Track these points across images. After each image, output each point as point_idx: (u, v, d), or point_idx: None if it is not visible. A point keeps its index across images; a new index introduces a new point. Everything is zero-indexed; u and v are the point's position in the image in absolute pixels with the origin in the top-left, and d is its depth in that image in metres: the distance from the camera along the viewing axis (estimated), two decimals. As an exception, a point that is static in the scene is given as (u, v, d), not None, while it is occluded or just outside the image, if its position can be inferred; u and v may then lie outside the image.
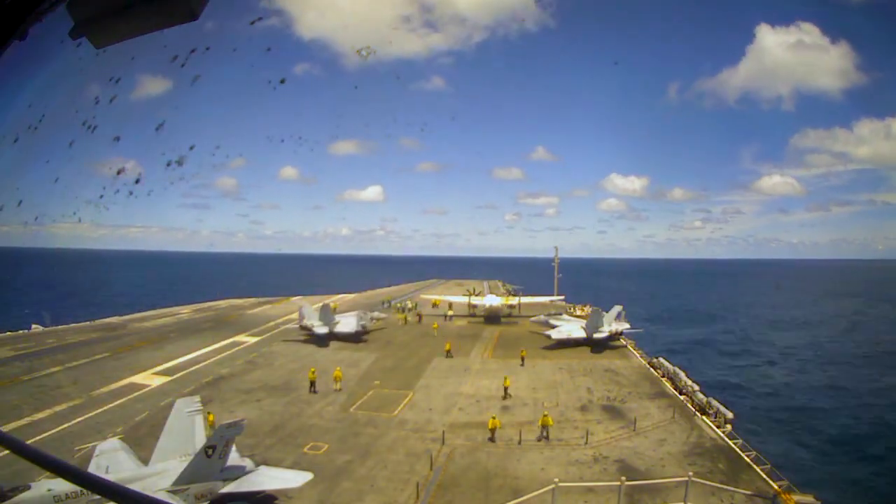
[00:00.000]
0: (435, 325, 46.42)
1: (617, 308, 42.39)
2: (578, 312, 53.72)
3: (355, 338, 40.11)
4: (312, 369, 28.52)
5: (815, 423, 42.14)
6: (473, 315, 53.49)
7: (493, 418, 21.96)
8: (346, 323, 40.68)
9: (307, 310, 41.50)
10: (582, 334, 38.67)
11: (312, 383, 27.53)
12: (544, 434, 21.46)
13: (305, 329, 40.08)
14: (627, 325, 42.10)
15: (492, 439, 21.20)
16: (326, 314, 39.89)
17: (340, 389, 27.73)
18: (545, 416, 21.99)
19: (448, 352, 35.92)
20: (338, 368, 29.33)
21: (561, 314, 50.39)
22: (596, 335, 38.33)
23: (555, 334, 39.22)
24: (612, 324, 40.31)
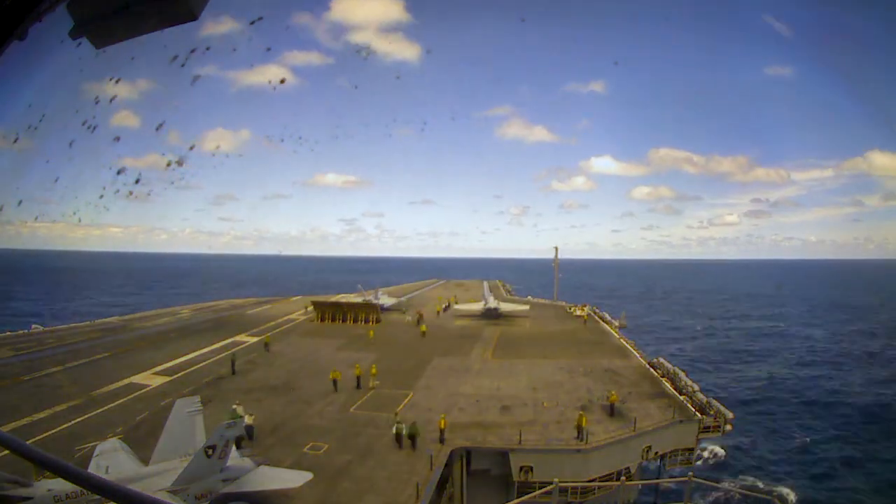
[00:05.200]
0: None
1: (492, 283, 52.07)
2: (578, 312, 54.91)
3: (393, 308, 59.52)
4: (335, 370, 29.23)
5: None
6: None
7: (443, 417, 22.09)
8: (388, 300, 61.58)
9: (379, 293, 62.12)
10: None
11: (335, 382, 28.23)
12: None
13: (371, 302, 56.41)
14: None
15: (441, 440, 21.08)
16: (378, 294, 61.69)
17: (374, 388, 28.23)
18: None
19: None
20: (367, 366, 30.25)
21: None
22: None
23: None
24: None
